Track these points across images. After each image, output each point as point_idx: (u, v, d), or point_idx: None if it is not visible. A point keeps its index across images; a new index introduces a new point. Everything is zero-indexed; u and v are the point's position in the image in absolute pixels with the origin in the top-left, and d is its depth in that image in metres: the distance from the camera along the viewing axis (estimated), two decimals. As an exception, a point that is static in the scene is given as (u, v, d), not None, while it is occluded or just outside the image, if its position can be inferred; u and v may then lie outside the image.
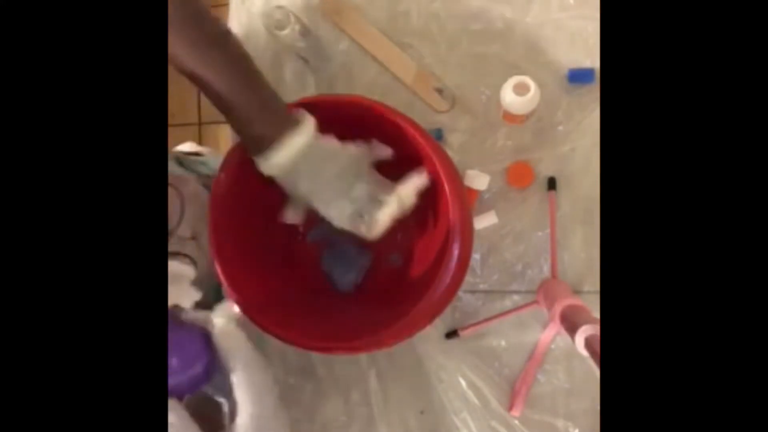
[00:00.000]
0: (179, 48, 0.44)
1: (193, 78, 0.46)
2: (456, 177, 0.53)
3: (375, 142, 0.53)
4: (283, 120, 0.47)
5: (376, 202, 0.48)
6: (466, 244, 0.51)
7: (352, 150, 0.50)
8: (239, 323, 0.43)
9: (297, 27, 0.74)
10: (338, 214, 0.49)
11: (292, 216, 0.54)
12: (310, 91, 0.74)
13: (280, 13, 0.64)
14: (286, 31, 0.64)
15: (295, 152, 0.46)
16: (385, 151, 0.53)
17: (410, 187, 0.50)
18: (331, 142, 0.49)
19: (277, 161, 0.46)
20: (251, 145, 0.48)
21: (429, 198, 0.58)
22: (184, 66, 0.46)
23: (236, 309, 0.51)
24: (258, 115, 0.46)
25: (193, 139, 0.92)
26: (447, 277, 0.50)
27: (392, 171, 0.54)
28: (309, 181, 0.48)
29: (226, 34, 0.48)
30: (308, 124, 0.47)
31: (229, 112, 0.47)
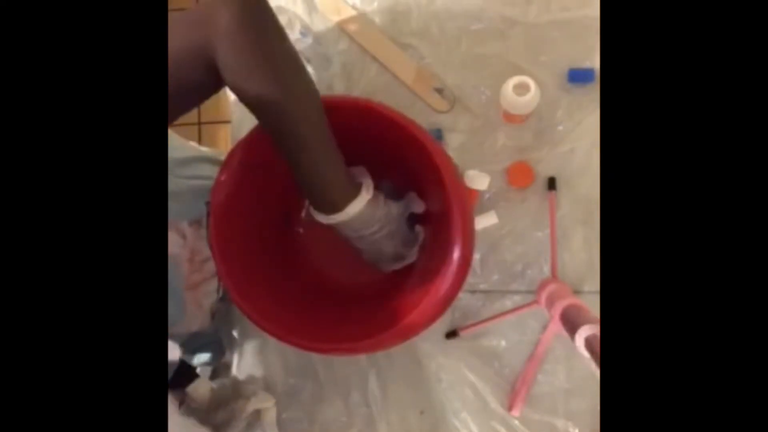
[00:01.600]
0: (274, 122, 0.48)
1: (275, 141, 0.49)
2: (456, 177, 0.53)
3: (412, 196, 0.60)
4: (348, 188, 0.52)
5: (399, 258, 0.59)
6: (467, 244, 0.51)
7: (394, 211, 0.57)
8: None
9: (297, 27, 0.74)
10: (367, 257, 0.59)
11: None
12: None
13: (280, 13, 0.64)
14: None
15: (352, 215, 0.52)
16: (420, 207, 0.60)
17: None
18: (380, 207, 0.55)
19: (336, 220, 0.53)
20: (315, 203, 0.53)
21: (429, 199, 0.58)
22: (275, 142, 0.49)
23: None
24: (330, 184, 0.51)
25: (193, 139, 0.92)
26: (448, 279, 0.50)
27: (393, 170, 0.53)
28: (355, 234, 0.55)
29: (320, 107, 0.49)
30: (367, 191, 0.53)
31: (304, 177, 0.51)
